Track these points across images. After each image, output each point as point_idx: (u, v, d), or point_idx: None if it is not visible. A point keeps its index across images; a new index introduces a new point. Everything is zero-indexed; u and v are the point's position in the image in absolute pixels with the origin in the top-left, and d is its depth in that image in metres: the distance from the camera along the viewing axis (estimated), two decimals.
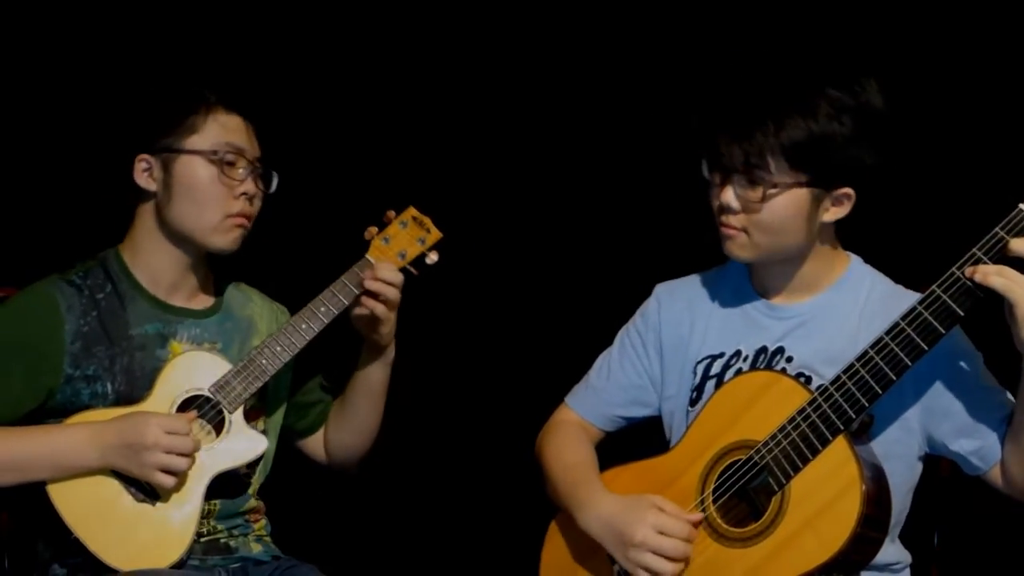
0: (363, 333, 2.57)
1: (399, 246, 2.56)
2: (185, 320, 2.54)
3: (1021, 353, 2.09)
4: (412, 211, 2.59)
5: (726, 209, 2.29)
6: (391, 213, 2.58)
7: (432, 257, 2.58)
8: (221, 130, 2.50)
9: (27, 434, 2.37)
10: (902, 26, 3.05)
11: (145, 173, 2.50)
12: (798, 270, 2.35)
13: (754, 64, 2.30)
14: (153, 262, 2.52)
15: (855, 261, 2.40)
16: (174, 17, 3.31)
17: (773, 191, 2.24)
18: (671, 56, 3.25)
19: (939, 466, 2.47)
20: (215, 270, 2.63)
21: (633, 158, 3.30)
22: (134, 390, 2.44)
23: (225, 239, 2.50)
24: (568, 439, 2.52)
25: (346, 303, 2.51)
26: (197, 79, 2.57)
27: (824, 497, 2.15)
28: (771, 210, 2.25)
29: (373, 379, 2.63)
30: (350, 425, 2.68)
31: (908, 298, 2.25)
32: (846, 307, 2.34)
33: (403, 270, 2.55)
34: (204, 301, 2.60)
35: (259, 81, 3.15)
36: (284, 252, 3.19)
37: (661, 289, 2.55)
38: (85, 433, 2.36)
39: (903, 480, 2.30)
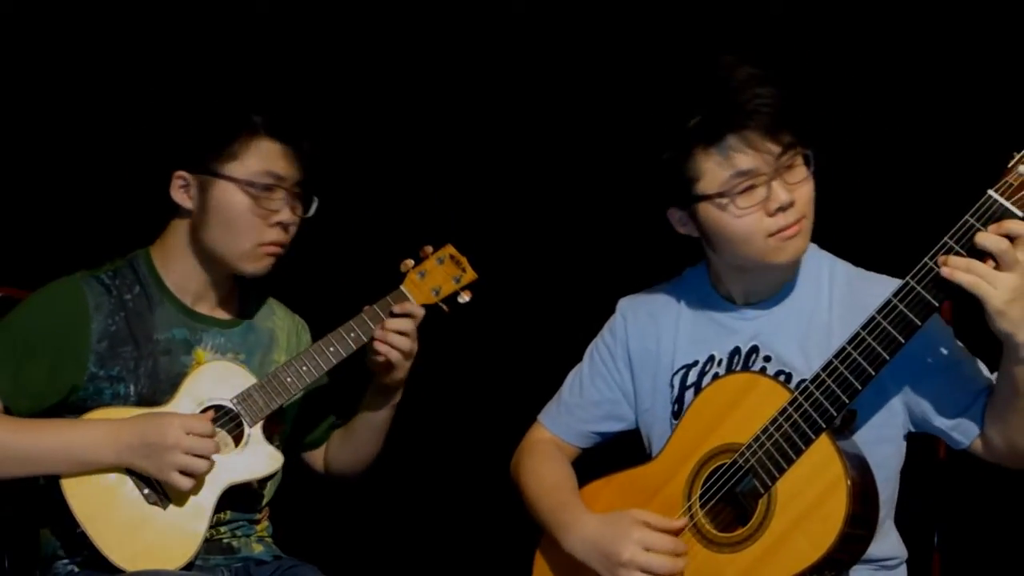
0: (374, 373, 2.59)
1: (434, 282, 2.59)
2: (211, 328, 2.55)
3: (999, 337, 2.07)
4: (451, 249, 2.62)
5: (785, 207, 2.20)
6: (428, 248, 2.60)
7: (464, 297, 2.62)
8: (261, 158, 2.48)
9: (46, 427, 2.37)
10: (877, 16, 3.04)
11: (182, 190, 2.50)
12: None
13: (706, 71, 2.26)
14: (182, 271, 2.54)
15: (811, 247, 2.35)
16: (227, 38, 3.30)
17: (806, 155, 2.22)
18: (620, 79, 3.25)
19: (938, 460, 2.45)
20: (242, 281, 2.63)
21: (597, 175, 3.29)
22: (156, 394, 2.45)
23: (256, 266, 2.51)
24: (544, 459, 2.50)
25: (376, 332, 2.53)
26: (245, 100, 2.56)
27: (810, 497, 2.13)
28: (810, 182, 2.23)
29: (376, 417, 2.65)
30: (350, 450, 2.71)
31: (875, 281, 2.27)
32: (811, 296, 2.33)
33: (435, 306, 2.59)
34: (229, 311, 2.61)
35: (312, 101, 3.13)
36: (317, 273, 3.19)
37: (624, 303, 2.53)
38: (104, 430, 2.36)
39: (893, 462, 2.30)
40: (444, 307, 2.61)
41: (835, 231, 2.38)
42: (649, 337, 2.45)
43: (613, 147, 3.09)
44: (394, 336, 2.52)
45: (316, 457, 2.76)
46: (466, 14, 3.31)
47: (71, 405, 2.43)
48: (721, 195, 2.20)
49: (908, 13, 3.01)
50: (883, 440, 2.26)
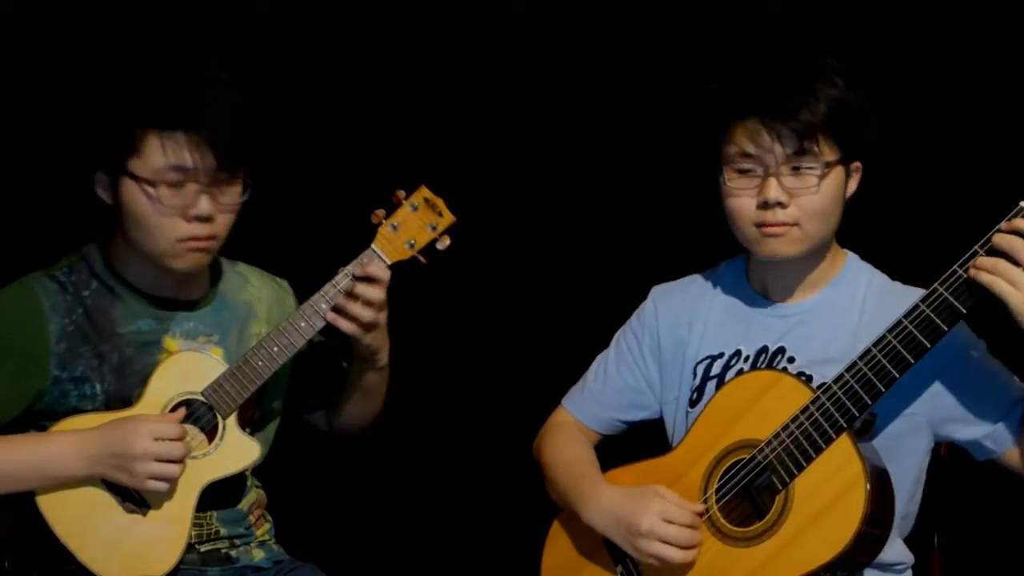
0: (350, 338, 2.43)
1: (408, 234, 2.37)
2: (177, 314, 2.43)
3: None
4: (424, 191, 2.38)
5: (772, 205, 2.23)
6: (401, 193, 2.39)
7: (444, 242, 2.39)
8: (163, 152, 2.28)
9: (12, 444, 2.30)
10: (904, 22, 3.04)
11: (102, 190, 2.36)
12: (816, 263, 2.34)
13: (761, 45, 2.28)
14: (134, 263, 2.40)
15: (852, 258, 2.40)
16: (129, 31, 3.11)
17: (826, 171, 2.22)
18: (662, 60, 3.23)
19: (939, 465, 2.47)
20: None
21: (630, 159, 3.29)
22: (124, 390, 2.36)
23: (183, 262, 2.34)
24: (566, 437, 2.51)
25: None
26: (141, 91, 2.32)
27: (828, 496, 2.14)
28: (824, 195, 2.24)
29: (362, 381, 2.53)
30: (349, 411, 2.60)
31: (907, 294, 2.26)
32: (845, 304, 2.34)
33: (412, 259, 2.39)
34: (197, 291, 2.46)
35: (266, 55, 3.03)
36: (287, 238, 3.08)
37: (657, 292, 2.52)
38: (72, 443, 2.28)
39: (912, 473, 2.31)
40: (421, 259, 2.38)
41: (870, 241, 2.40)
42: (682, 325, 2.45)
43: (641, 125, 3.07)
44: (354, 307, 2.34)
45: (318, 418, 2.65)
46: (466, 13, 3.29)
47: (38, 412, 2.34)
48: (724, 163, 2.27)
49: (936, 18, 3.02)
50: (901, 451, 2.26)
